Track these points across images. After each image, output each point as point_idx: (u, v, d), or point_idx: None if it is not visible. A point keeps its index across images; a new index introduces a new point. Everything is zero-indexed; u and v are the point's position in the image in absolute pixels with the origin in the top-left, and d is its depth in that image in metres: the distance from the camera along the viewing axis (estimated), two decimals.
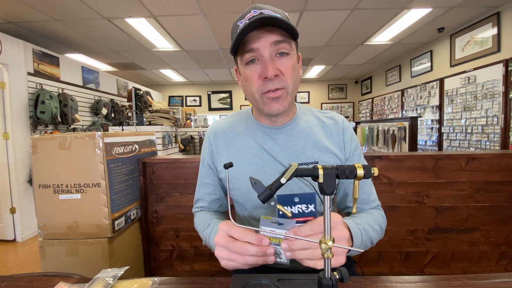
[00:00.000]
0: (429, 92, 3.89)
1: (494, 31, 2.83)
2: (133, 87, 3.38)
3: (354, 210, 0.44)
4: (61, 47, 3.70)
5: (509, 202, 1.27)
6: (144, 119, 3.08)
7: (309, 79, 6.75)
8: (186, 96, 7.14)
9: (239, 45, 0.58)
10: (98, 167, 1.10)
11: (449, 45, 3.53)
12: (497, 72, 2.78)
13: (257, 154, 0.67)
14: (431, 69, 3.94)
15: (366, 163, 0.67)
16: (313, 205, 0.46)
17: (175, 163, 1.35)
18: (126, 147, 1.25)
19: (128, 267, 0.52)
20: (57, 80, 3.26)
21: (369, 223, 0.60)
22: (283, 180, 0.42)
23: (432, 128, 3.80)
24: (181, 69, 5.38)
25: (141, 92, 3.41)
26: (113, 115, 4.13)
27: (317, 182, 0.42)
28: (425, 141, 3.94)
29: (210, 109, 7.17)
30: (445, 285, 0.42)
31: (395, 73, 5.00)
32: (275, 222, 0.48)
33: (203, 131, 3.95)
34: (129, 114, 4.36)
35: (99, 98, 3.97)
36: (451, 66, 3.49)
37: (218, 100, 7.16)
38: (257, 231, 0.48)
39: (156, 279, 0.47)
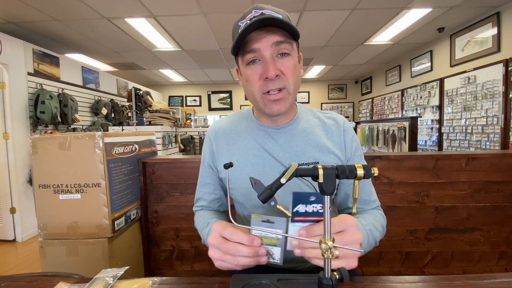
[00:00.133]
0: (429, 92, 3.89)
1: (494, 31, 2.83)
2: (133, 87, 3.38)
3: (354, 210, 0.44)
4: (61, 47, 3.70)
5: (509, 202, 1.27)
6: (144, 119, 3.08)
7: (309, 79, 6.75)
8: (186, 96, 7.15)
9: (240, 45, 0.58)
10: (98, 167, 1.10)
11: (449, 45, 3.53)
12: (497, 72, 2.78)
13: (257, 154, 0.67)
14: (431, 69, 3.94)
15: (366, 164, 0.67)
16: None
17: (175, 163, 1.35)
18: (126, 147, 1.25)
19: (128, 267, 0.52)
20: (57, 80, 3.26)
21: (373, 223, 0.60)
22: (283, 180, 0.42)
23: (432, 128, 3.80)
24: (181, 69, 5.39)
25: (141, 92, 3.41)
26: (113, 115, 4.13)
27: (317, 182, 0.42)
28: (425, 141, 3.94)
29: (210, 109, 7.17)
30: (445, 285, 0.42)
31: (395, 73, 5.00)
32: (266, 221, 0.47)
33: (203, 131, 3.95)
34: (129, 114, 4.36)
35: (99, 98, 3.97)
36: (451, 66, 3.49)
37: (218, 100, 7.16)
38: (250, 230, 0.49)
39: (156, 279, 0.47)
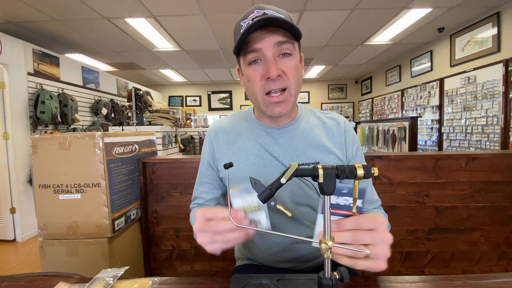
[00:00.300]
0: (429, 92, 3.89)
1: (494, 31, 2.83)
2: (133, 87, 3.38)
3: (354, 210, 0.44)
4: (61, 47, 3.70)
5: (509, 202, 1.27)
6: (144, 119, 3.08)
7: (309, 79, 6.75)
8: (186, 96, 7.14)
9: (242, 45, 0.58)
10: (98, 167, 1.10)
11: (449, 45, 3.53)
12: (497, 72, 2.77)
13: (258, 154, 0.67)
14: (431, 69, 3.94)
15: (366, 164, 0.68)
16: (361, 201, 0.43)
17: (175, 163, 1.35)
18: (126, 147, 1.25)
19: (128, 267, 0.52)
20: (57, 80, 3.26)
21: None
22: (283, 180, 0.42)
23: (432, 128, 3.80)
24: (181, 69, 5.38)
25: (141, 92, 3.41)
26: (113, 115, 4.13)
27: (317, 182, 0.42)
28: (425, 141, 3.94)
29: (210, 109, 7.17)
30: (445, 285, 0.42)
31: (395, 73, 5.00)
32: (245, 189, 0.45)
33: (203, 131, 3.95)
34: (129, 114, 4.36)
35: (99, 98, 3.97)
36: (451, 66, 3.49)
37: (218, 100, 7.16)
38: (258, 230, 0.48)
39: (156, 279, 0.47)
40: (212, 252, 0.49)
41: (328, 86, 7.11)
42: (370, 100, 6.11)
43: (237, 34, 0.58)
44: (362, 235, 0.42)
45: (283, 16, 0.55)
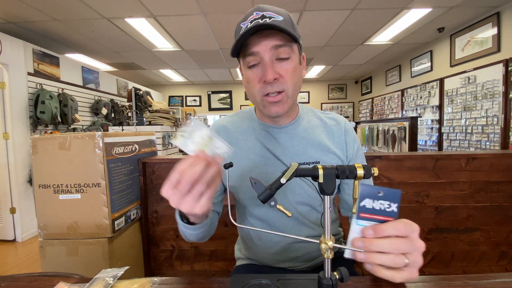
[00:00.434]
0: (429, 92, 3.89)
1: (494, 31, 2.83)
2: (133, 87, 3.38)
3: (354, 210, 0.44)
4: (61, 47, 3.70)
5: (509, 202, 1.27)
6: (144, 119, 3.08)
7: (309, 79, 6.75)
8: (186, 96, 7.15)
9: (242, 47, 0.59)
10: (98, 167, 1.10)
11: (449, 45, 3.53)
12: (497, 72, 2.77)
13: (259, 153, 0.68)
14: (431, 69, 3.94)
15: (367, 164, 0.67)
16: (396, 205, 0.40)
17: (175, 163, 1.34)
18: (126, 147, 1.25)
19: (128, 267, 0.52)
20: (57, 80, 3.26)
21: None
22: (283, 180, 0.42)
23: (432, 128, 3.80)
24: (181, 69, 5.38)
25: (141, 92, 3.41)
26: (113, 115, 4.13)
27: (317, 182, 0.42)
28: (425, 141, 3.94)
29: (210, 109, 7.17)
30: (445, 285, 0.42)
31: (395, 73, 5.00)
32: (188, 132, 0.42)
33: None
34: (129, 114, 4.37)
35: (99, 98, 3.97)
36: (451, 66, 3.49)
37: (218, 100, 7.16)
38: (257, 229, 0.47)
39: (156, 279, 0.47)
40: (193, 212, 0.42)
41: (328, 86, 7.11)
42: (370, 100, 6.11)
43: (237, 36, 0.59)
44: (402, 243, 0.39)
45: (282, 18, 0.55)
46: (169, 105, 7.00)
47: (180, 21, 3.02)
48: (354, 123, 4.31)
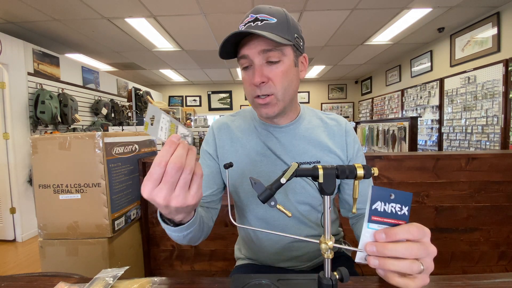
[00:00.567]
0: (429, 92, 3.90)
1: (494, 31, 2.83)
2: (133, 87, 3.39)
3: (354, 210, 0.44)
4: (61, 47, 3.70)
5: (509, 202, 1.27)
6: (144, 119, 3.08)
7: (309, 79, 6.75)
8: (186, 96, 7.15)
9: (238, 48, 0.61)
10: (98, 167, 1.10)
11: (449, 45, 3.53)
12: (497, 72, 2.77)
13: (261, 152, 0.68)
14: (431, 69, 3.94)
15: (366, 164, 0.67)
16: (407, 208, 0.39)
17: None
18: (126, 147, 1.25)
19: (128, 267, 0.52)
20: (57, 80, 3.26)
21: None
22: (283, 180, 0.42)
23: (432, 128, 3.80)
24: (181, 69, 5.38)
25: (141, 92, 3.41)
26: (113, 115, 4.13)
27: (317, 182, 0.42)
28: (425, 141, 3.94)
29: (210, 109, 7.17)
30: (445, 285, 0.42)
31: (395, 73, 5.00)
32: (156, 121, 0.40)
33: (203, 131, 3.95)
34: (129, 114, 4.37)
35: (99, 98, 3.97)
36: (451, 66, 3.49)
37: (218, 100, 7.17)
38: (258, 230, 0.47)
39: (156, 279, 0.47)
40: (171, 202, 0.37)
41: (328, 86, 7.11)
42: (370, 100, 6.11)
43: None
44: (416, 247, 0.37)
45: (275, 20, 0.56)
46: (169, 105, 7.00)
47: (180, 21, 3.02)
48: (354, 123, 4.31)
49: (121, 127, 2.76)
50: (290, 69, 0.60)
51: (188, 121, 5.67)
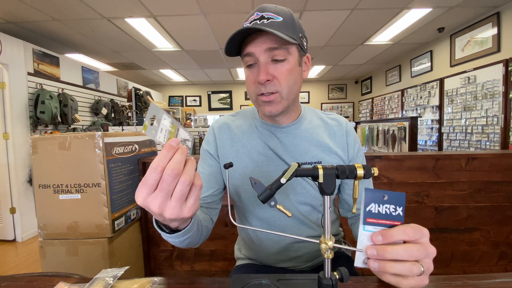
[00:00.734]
0: (429, 92, 3.90)
1: (494, 31, 2.83)
2: (133, 87, 3.39)
3: (354, 210, 0.44)
4: (61, 47, 3.70)
5: (509, 202, 1.27)
6: (144, 119, 3.08)
7: (309, 79, 6.76)
8: (186, 96, 7.15)
9: (241, 47, 0.60)
10: (98, 167, 1.10)
11: (449, 45, 3.53)
12: (497, 72, 2.78)
13: (262, 152, 0.68)
14: (431, 69, 3.94)
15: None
16: (401, 208, 0.40)
17: None
18: (126, 147, 1.25)
19: (128, 267, 0.52)
20: (57, 80, 3.26)
21: None
22: (283, 180, 0.42)
23: (432, 128, 3.80)
24: (181, 69, 5.39)
25: (141, 92, 3.42)
26: (113, 115, 4.13)
27: (317, 182, 0.42)
28: (425, 141, 3.94)
29: (210, 109, 7.17)
30: (445, 285, 0.42)
31: (395, 73, 5.00)
32: (156, 120, 0.38)
33: (203, 131, 3.95)
34: (129, 114, 4.36)
35: (99, 98, 3.97)
36: (451, 66, 3.49)
37: (218, 100, 7.17)
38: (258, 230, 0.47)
39: (156, 279, 0.47)
40: (164, 213, 0.35)
41: (328, 86, 7.11)
42: (370, 100, 6.11)
43: None
44: (415, 249, 0.38)
45: (281, 19, 0.56)
46: (169, 105, 7.00)
47: (180, 21, 3.02)
48: (354, 123, 4.31)
49: (121, 127, 2.76)
50: (294, 68, 0.60)
51: (188, 121, 5.66)
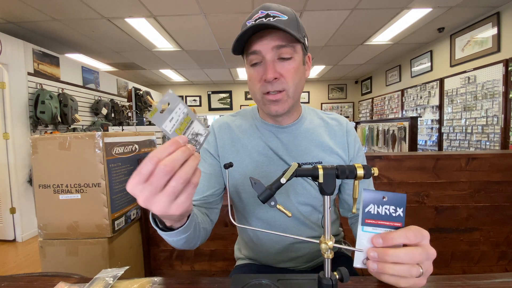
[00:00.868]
0: (429, 92, 3.90)
1: (494, 31, 2.83)
2: (133, 87, 3.39)
3: (354, 210, 0.44)
4: (61, 47, 3.70)
5: (509, 202, 1.27)
6: (144, 119, 3.08)
7: (309, 79, 6.76)
8: (186, 96, 7.15)
9: (245, 45, 0.60)
10: (98, 167, 1.10)
11: (449, 45, 3.53)
12: (497, 72, 2.78)
13: (262, 152, 0.67)
14: (431, 69, 3.94)
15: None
16: (401, 209, 0.39)
17: None
18: (126, 147, 1.25)
19: (128, 267, 0.52)
20: (57, 80, 3.26)
21: None
22: (283, 180, 0.42)
23: (432, 128, 3.80)
24: (181, 69, 5.39)
25: (141, 92, 3.41)
26: (113, 115, 4.13)
27: (317, 182, 0.42)
28: (425, 141, 3.94)
29: (210, 109, 7.17)
30: (445, 285, 0.42)
31: (395, 73, 5.00)
32: (168, 109, 0.35)
33: None
34: (129, 114, 4.36)
35: (99, 98, 3.97)
36: (451, 66, 3.49)
37: (218, 100, 7.17)
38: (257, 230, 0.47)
39: (156, 279, 0.47)
40: (171, 212, 0.33)
41: (328, 86, 7.11)
42: (370, 100, 6.11)
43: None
44: (416, 252, 0.38)
45: (286, 17, 0.55)
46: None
47: (180, 21, 3.02)
48: (354, 123, 4.31)
49: (121, 127, 2.76)
50: (300, 66, 0.61)
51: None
